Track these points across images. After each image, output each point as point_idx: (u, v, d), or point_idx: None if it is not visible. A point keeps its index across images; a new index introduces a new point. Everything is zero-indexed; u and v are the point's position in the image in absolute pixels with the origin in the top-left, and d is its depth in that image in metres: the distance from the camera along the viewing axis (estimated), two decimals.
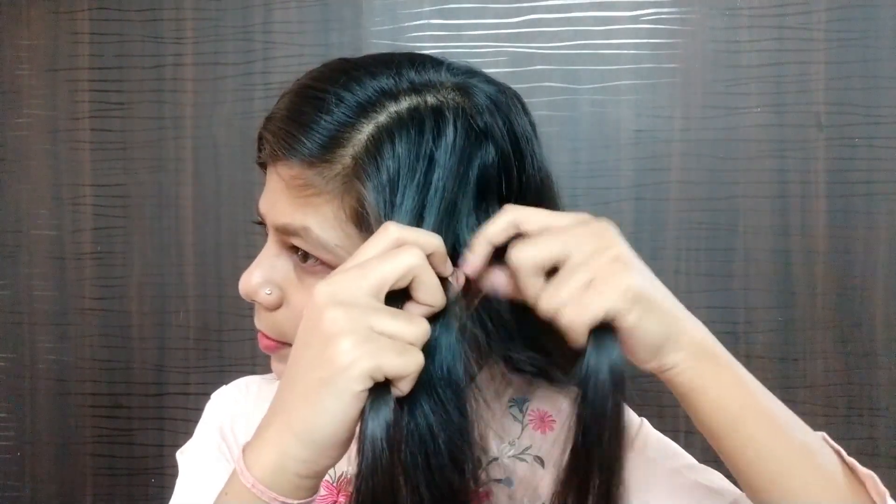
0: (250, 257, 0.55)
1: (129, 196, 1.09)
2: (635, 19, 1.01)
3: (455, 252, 0.47)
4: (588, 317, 0.42)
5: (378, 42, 1.04)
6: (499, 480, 0.50)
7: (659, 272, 0.46)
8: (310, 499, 0.44)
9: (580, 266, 0.43)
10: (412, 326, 0.42)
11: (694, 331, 0.46)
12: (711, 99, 1.01)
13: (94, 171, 1.10)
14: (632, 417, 0.62)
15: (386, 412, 0.42)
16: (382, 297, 0.43)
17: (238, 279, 0.54)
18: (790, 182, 1.00)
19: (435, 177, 0.47)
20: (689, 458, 0.61)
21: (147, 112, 1.09)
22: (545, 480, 0.56)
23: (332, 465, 0.44)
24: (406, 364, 0.41)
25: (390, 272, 0.42)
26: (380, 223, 0.46)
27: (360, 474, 0.42)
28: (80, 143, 1.10)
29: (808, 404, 1.00)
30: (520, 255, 0.44)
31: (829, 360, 1.00)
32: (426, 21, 1.04)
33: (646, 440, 0.61)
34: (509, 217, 0.46)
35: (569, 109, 1.02)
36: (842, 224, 1.00)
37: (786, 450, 0.46)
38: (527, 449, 0.58)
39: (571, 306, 0.43)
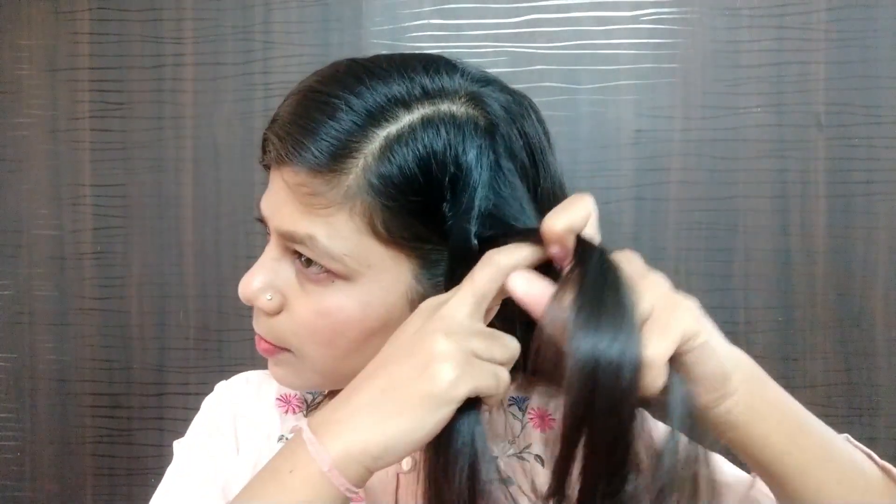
0: (250, 257, 0.54)
1: (129, 196, 1.09)
2: (635, 19, 1.01)
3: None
4: (671, 339, 0.45)
5: (378, 42, 1.04)
6: (499, 480, 0.50)
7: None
8: (360, 488, 0.45)
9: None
10: (505, 350, 0.45)
11: (742, 354, 0.48)
12: (711, 99, 1.01)
13: (94, 171, 1.10)
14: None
15: (474, 423, 0.44)
16: (482, 313, 0.45)
17: (238, 279, 0.53)
18: (790, 182, 1.00)
19: (449, 191, 0.47)
20: None
21: (147, 112, 1.08)
22: (545, 479, 0.56)
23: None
24: (498, 386, 0.44)
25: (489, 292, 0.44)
26: (394, 237, 0.47)
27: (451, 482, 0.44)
28: (80, 143, 1.10)
29: (808, 404, 0.99)
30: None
31: (829, 360, 1.00)
32: (426, 21, 1.04)
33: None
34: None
35: (569, 109, 1.02)
36: (842, 224, 1.00)
37: (831, 466, 0.48)
38: (527, 448, 0.58)
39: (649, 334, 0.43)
